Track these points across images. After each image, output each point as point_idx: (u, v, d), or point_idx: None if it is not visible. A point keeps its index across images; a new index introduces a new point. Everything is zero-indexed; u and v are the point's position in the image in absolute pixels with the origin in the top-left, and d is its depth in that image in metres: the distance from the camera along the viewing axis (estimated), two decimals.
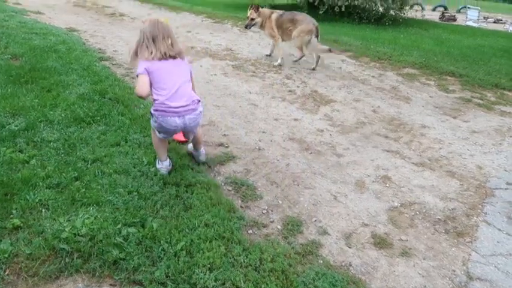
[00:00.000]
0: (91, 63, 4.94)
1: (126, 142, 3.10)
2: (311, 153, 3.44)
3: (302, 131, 3.82)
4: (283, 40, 5.98)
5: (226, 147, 3.43)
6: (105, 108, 3.64)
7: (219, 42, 6.97)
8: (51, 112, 3.42)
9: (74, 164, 2.69)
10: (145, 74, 2.49)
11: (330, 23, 9.63)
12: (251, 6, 5.94)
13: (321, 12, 10.06)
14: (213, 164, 3.11)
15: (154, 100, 2.56)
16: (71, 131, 3.15)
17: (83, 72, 4.52)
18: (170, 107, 2.52)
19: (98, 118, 3.44)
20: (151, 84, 2.52)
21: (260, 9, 5.94)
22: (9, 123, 3.11)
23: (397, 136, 3.86)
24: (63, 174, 2.54)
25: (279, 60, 5.91)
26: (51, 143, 2.92)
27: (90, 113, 3.48)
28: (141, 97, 2.55)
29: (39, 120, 3.26)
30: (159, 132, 2.67)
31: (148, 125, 3.38)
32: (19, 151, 2.76)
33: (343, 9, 9.98)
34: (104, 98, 3.91)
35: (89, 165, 2.71)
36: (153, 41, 2.52)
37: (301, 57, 6.13)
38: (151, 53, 2.50)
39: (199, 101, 2.69)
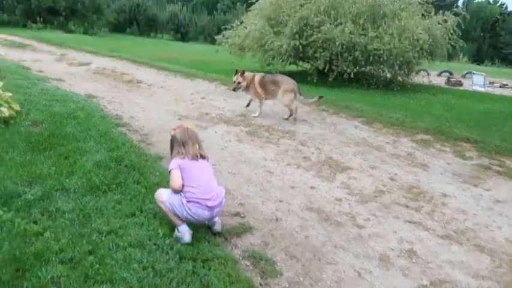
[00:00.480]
0: (108, 129, 5.03)
1: (142, 212, 3.04)
2: (330, 224, 3.32)
3: (320, 200, 3.73)
4: (266, 99, 6.78)
5: (243, 217, 3.34)
6: (121, 176, 3.62)
7: (233, 108, 7.12)
8: (68, 180, 3.40)
9: (88, 236, 2.61)
10: (178, 169, 2.82)
11: (340, 89, 9.87)
12: (236, 72, 6.67)
13: (330, 78, 10.36)
14: (229, 236, 3.00)
15: (186, 193, 2.77)
16: (86, 200, 3.10)
17: (100, 139, 4.58)
18: (204, 202, 2.76)
19: (114, 186, 3.40)
20: (182, 179, 2.80)
21: (245, 73, 6.63)
22: (26, 192, 3.08)
23: (418, 206, 3.74)
24: (77, 248, 2.45)
25: (257, 113, 6.72)
26: (66, 214, 2.86)
27: (105, 181, 3.45)
28: (176, 190, 2.79)
29: (55, 188, 3.23)
30: (184, 218, 2.80)
31: None
32: (33, 222, 2.70)
33: (352, 75, 10.27)
34: (120, 165, 3.91)
35: (103, 238, 2.62)
36: (184, 146, 2.88)
37: (291, 115, 6.61)
38: (182, 154, 2.86)
39: (224, 195, 2.95)
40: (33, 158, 3.77)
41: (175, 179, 2.80)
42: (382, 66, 11.21)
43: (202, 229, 2.96)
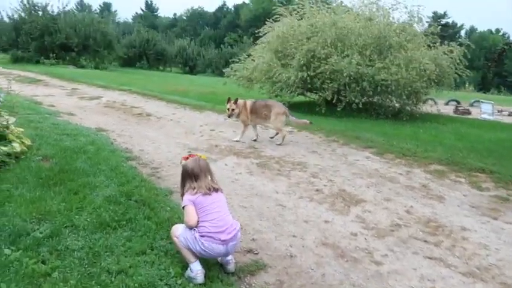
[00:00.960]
0: (118, 163, 5.00)
1: (152, 250, 2.95)
2: (347, 260, 3.19)
3: (335, 235, 3.61)
4: (256, 124, 7.20)
5: (256, 253, 3.23)
6: (131, 212, 3.55)
7: (242, 139, 7.10)
8: (77, 216, 3.35)
9: (97, 276, 2.52)
10: (192, 205, 2.76)
11: (349, 119, 9.85)
12: (229, 100, 6.95)
13: (339, 109, 10.37)
14: (243, 274, 2.90)
15: (199, 227, 2.72)
16: (96, 237, 3.03)
17: (110, 173, 4.54)
18: (218, 236, 2.69)
19: (124, 222, 3.33)
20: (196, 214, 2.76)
21: (238, 101, 6.94)
22: (35, 230, 3.03)
23: (437, 240, 3.60)
24: None
25: (238, 137, 7.01)
26: (75, 252, 2.79)
27: (115, 217, 3.39)
28: (191, 227, 2.74)
29: (65, 225, 3.17)
30: (198, 254, 2.72)
31: None
32: (42, 262, 2.62)
33: (360, 105, 10.29)
34: (130, 200, 3.85)
35: (113, 278, 2.53)
36: (196, 179, 2.81)
37: (277, 134, 7.14)
38: (194, 189, 2.79)
39: (239, 229, 2.88)
40: (43, 194, 3.73)
41: (190, 216, 2.75)
42: (390, 96, 11.22)
43: (215, 267, 2.86)
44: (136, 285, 2.48)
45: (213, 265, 2.86)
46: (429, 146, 7.02)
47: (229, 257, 2.88)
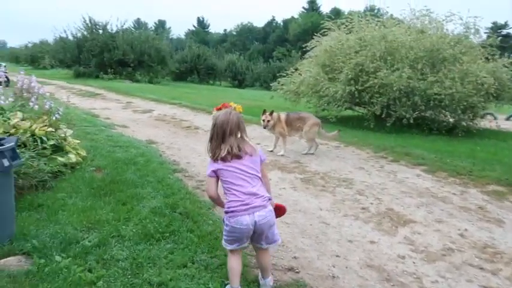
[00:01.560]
0: (165, 175, 5.15)
1: (193, 263, 2.97)
2: (393, 285, 3.03)
3: (381, 257, 3.45)
4: (290, 135, 7.31)
5: (297, 272, 3.16)
6: (175, 224, 3.62)
7: (287, 154, 7.05)
8: (124, 227, 3.46)
9: (139, 287, 2.57)
10: (213, 177, 2.59)
11: (399, 135, 9.49)
12: (264, 112, 7.04)
13: (388, 124, 10.04)
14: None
15: (225, 205, 2.57)
16: (140, 248, 3.11)
17: (157, 185, 4.68)
18: (239, 206, 2.48)
19: (167, 234, 3.40)
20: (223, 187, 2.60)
21: (273, 113, 7.00)
22: (84, 239, 3.17)
23: (495, 268, 3.32)
24: None
25: (282, 151, 7.06)
26: (120, 262, 2.88)
27: (160, 229, 3.47)
28: (210, 197, 2.67)
29: (112, 235, 3.29)
30: (231, 240, 2.57)
31: (216, 244, 3.27)
32: (88, 270, 2.73)
33: (411, 120, 9.90)
34: (175, 212, 3.93)
35: None
36: (223, 138, 2.53)
37: (311, 148, 7.24)
38: (217, 152, 2.55)
39: (270, 198, 2.63)
40: (93, 204, 3.91)
41: (208, 187, 2.64)
42: (443, 111, 10.70)
43: (253, 285, 2.82)
44: None
45: (252, 282, 2.82)
46: (487, 164, 6.57)
47: (269, 278, 2.76)
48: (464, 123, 10.59)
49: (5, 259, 2.79)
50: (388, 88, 9.85)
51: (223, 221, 2.63)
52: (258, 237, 2.60)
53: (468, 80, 9.68)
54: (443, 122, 10.71)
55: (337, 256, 3.44)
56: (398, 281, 3.08)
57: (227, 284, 2.68)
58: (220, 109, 2.73)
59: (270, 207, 2.58)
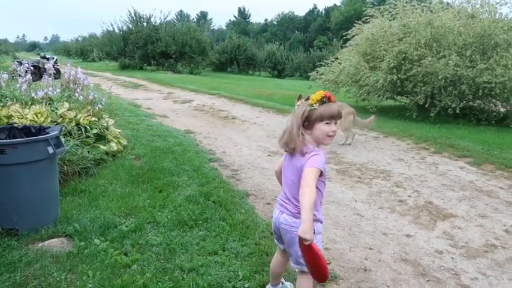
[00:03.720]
0: (201, 164, 5.25)
1: (224, 251, 3.02)
2: (428, 280, 2.92)
3: (416, 251, 3.34)
4: None
5: (328, 263, 3.09)
6: (208, 212, 3.69)
7: None
8: (159, 213, 3.58)
9: (171, 272, 2.66)
10: (283, 159, 2.30)
11: (443, 125, 9.08)
12: (300, 97, 6.67)
13: (432, 114, 9.62)
14: (313, 284, 2.80)
15: None
16: (173, 234, 3.20)
17: (192, 174, 4.79)
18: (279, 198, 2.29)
19: (200, 222, 3.48)
20: None
21: (308, 100, 6.49)
22: (121, 224, 3.31)
23: None
24: (159, 283, 2.50)
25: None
26: (154, 247, 2.98)
27: (193, 216, 3.55)
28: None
29: (148, 221, 3.41)
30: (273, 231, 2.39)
31: (247, 233, 3.31)
32: (124, 254, 2.85)
33: (457, 110, 9.41)
34: (208, 200, 4.00)
35: (184, 276, 2.64)
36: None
37: (347, 138, 7.11)
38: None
39: (298, 212, 2.03)
40: (132, 190, 4.07)
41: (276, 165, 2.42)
42: (494, 100, 10.08)
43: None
44: (205, 284, 2.55)
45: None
46: None
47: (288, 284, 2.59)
48: None
49: (49, 240, 2.98)
50: (433, 77, 9.41)
51: None
52: (283, 245, 2.36)
53: None
54: (493, 112, 10.09)
55: (370, 249, 3.37)
56: (434, 277, 2.97)
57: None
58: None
59: (294, 225, 2.14)
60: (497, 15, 10.64)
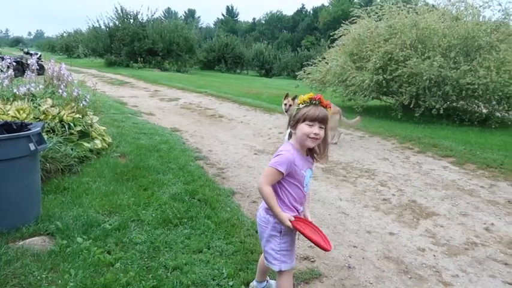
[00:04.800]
0: (187, 162, 5.22)
1: (209, 249, 3.01)
2: (411, 277, 2.97)
3: (399, 249, 3.38)
4: None
5: (312, 261, 3.14)
6: (193, 210, 3.67)
7: None
8: (144, 211, 3.55)
9: (154, 270, 2.64)
10: None
11: (427, 125, 9.21)
12: (287, 95, 7.06)
13: (417, 114, 9.75)
14: (297, 282, 2.82)
15: None
16: (157, 233, 3.18)
17: (178, 172, 4.76)
18: None
19: (185, 220, 3.46)
20: None
21: (295, 99, 6.89)
22: (105, 222, 3.27)
23: None
24: (143, 282, 2.48)
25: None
26: (138, 245, 2.95)
27: (178, 215, 3.53)
28: None
29: (132, 219, 3.38)
30: None
31: (232, 231, 3.31)
32: (107, 252, 2.82)
33: (441, 111, 9.56)
34: (194, 198, 3.99)
35: (168, 274, 2.63)
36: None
37: (333, 138, 7.03)
38: None
39: (267, 208, 2.13)
40: (116, 188, 4.02)
41: None
42: (476, 101, 10.27)
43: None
44: (189, 282, 2.54)
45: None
46: None
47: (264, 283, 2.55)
48: (498, 114, 10.13)
49: (31, 239, 2.92)
50: (417, 77, 9.53)
51: None
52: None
53: (504, 69, 9.22)
54: (475, 113, 10.28)
55: (354, 247, 3.40)
56: (416, 274, 3.01)
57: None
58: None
59: (263, 219, 2.20)
60: (480, 18, 10.84)
